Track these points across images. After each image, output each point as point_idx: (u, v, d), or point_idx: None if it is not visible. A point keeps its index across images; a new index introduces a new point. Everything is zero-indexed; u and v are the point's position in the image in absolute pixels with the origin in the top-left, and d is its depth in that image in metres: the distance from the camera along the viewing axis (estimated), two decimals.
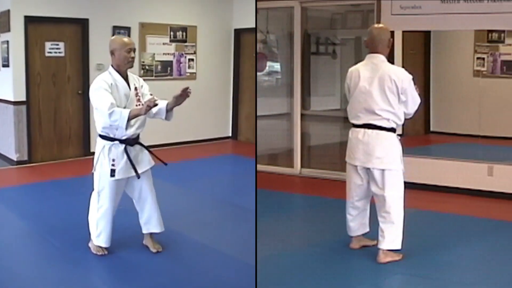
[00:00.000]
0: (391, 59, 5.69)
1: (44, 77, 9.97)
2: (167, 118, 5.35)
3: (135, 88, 5.30)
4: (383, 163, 5.19)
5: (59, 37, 10.06)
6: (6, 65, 9.78)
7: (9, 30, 9.55)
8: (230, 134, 12.72)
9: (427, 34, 8.64)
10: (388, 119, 5.17)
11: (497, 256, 5.53)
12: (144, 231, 5.63)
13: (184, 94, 5.09)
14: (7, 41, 9.65)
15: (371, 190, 5.35)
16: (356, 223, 5.55)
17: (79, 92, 10.33)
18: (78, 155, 10.41)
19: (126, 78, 5.27)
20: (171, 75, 11.61)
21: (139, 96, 5.29)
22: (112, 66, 5.24)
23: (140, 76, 10.28)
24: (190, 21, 11.90)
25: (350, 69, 5.50)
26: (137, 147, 5.41)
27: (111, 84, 5.10)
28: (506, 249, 5.72)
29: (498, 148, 8.65)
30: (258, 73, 10.13)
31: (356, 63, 5.59)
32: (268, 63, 10.10)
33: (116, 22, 10.67)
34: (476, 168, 7.63)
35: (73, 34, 10.25)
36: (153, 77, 11.12)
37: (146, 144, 5.47)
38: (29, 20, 9.60)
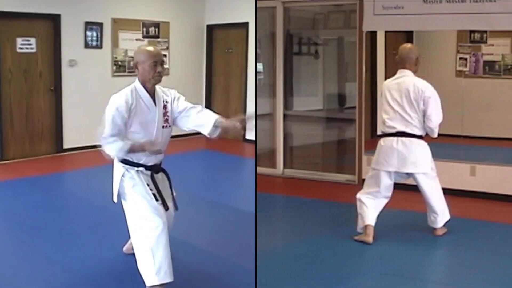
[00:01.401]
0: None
1: (15, 74, 9.87)
2: (211, 133, 4.68)
3: (164, 106, 4.64)
4: (416, 167, 5.75)
5: (31, 33, 9.94)
6: None
7: None
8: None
9: (409, 34, 8.63)
10: (418, 127, 5.70)
11: (479, 256, 5.53)
12: None
13: (241, 126, 4.61)
14: None
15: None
16: (373, 212, 5.79)
17: (51, 88, 10.29)
18: (51, 152, 10.34)
19: (153, 94, 4.60)
20: None
21: (168, 116, 4.64)
22: (138, 80, 4.60)
23: (113, 72, 10.52)
24: (163, 17, 11.93)
25: (383, 84, 5.99)
26: (160, 174, 4.79)
27: (132, 105, 4.43)
28: (488, 249, 5.72)
29: (480, 148, 8.68)
30: None
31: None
32: None
33: (89, 18, 10.64)
34: (459, 168, 7.66)
35: (45, 30, 10.15)
36: (125, 73, 11.13)
37: None
38: (0, 16, 9.50)
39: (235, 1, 11.86)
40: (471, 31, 8.79)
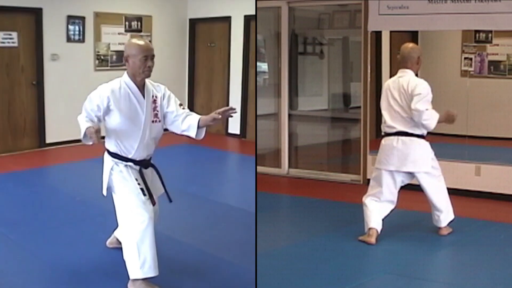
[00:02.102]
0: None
1: None
2: (197, 135, 4.70)
3: (154, 101, 4.63)
4: (416, 166, 5.75)
5: (12, 27, 9.81)
6: None
7: None
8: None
9: (414, 34, 8.61)
10: (418, 126, 5.68)
11: (484, 256, 5.52)
12: None
13: (226, 115, 4.59)
14: None
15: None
16: (377, 215, 5.77)
17: (34, 82, 10.21)
18: (34, 146, 10.28)
19: (142, 88, 4.59)
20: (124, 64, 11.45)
21: (157, 111, 4.64)
22: (127, 73, 4.56)
23: (96, 66, 10.48)
24: (145, 11, 11.84)
25: (385, 83, 5.98)
26: (149, 170, 4.81)
27: (120, 93, 4.47)
28: (493, 249, 5.71)
29: (485, 148, 8.67)
30: None
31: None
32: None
33: (71, 12, 10.53)
34: (464, 168, 7.66)
35: (27, 24, 10.03)
36: (108, 67, 11.08)
37: None
38: None
39: None
40: (476, 31, 8.77)
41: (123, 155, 4.60)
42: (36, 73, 10.22)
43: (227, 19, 11.73)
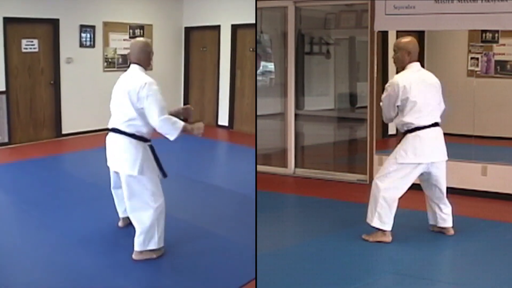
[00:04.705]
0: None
1: (20, 70, 11.00)
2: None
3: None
4: (444, 154, 5.85)
5: (34, 35, 11.12)
6: None
7: None
8: (181, 117, 13.25)
9: (421, 34, 8.61)
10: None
11: (490, 256, 5.52)
12: None
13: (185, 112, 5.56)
14: None
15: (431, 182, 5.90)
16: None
17: (51, 82, 11.50)
18: (51, 136, 11.60)
19: None
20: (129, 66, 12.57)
21: None
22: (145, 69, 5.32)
23: (104, 68, 11.90)
24: (147, 20, 13.34)
25: (399, 81, 5.70)
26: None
27: None
28: (500, 249, 5.71)
29: (492, 148, 8.67)
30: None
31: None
32: (262, 63, 10.13)
33: (83, 21, 11.90)
34: (470, 168, 7.65)
35: (46, 32, 11.33)
36: (115, 69, 12.33)
37: (106, 126, 5.40)
38: (7, 21, 10.55)
39: (209, 6, 13.30)
40: (483, 31, 8.77)
41: (147, 137, 5.21)
42: (54, 74, 11.55)
43: (217, 28, 13.20)
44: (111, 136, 5.29)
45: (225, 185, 8.12)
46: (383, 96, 5.79)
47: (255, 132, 8.97)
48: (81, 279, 4.90)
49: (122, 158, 5.16)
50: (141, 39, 5.71)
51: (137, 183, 5.12)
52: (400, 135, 5.85)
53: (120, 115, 5.16)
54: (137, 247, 5.21)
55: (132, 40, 5.54)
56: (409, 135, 5.69)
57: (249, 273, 4.95)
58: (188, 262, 5.28)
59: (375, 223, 5.72)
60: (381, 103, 5.86)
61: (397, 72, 5.89)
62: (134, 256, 5.23)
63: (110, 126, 5.29)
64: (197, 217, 6.54)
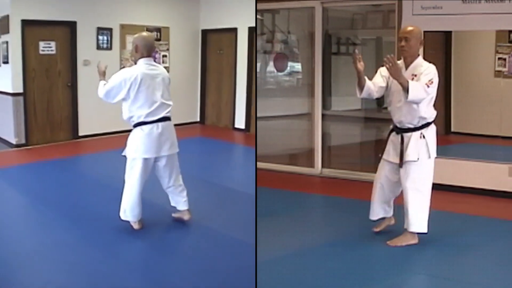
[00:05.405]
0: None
1: (38, 72, 11.12)
2: None
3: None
4: None
5: (51, 37, 11.24)
6: (5, 62, 10.88)
7: (8, 32, 10.67)
8: (198, 119, 14.48)
9: (448, 34, 8.60)
10: None
11: None
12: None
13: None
14: (7, 41, 10.77)
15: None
16: None
17: (68, 84, 11.62)
18: (68, 138, 11.73)
19: None
20: None
21: None
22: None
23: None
24: (164, 22, 13.48)
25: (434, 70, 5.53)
26: None
27: None
28: None
29: None
30: (279, 73, 10.17)
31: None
32: (289, 63, 10.14)
33: (100, 24, 12.08)
34: (497, 169, 7.59)
35: (63, 35, 11.45)
36: None
37: (122, 129, 5.69)
38: (26, 23, 10.72)
39: (226, 9, 13.36)
40: (510, 31, 8.70)
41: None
42: (71, 76, 11.65)
43: (234, 30, 13.19)
44: (161, 125, 5.83)
45: (240, 187, 8.03)
46: (433, 86, 5.45)
47: (255, 132, 9.06)
48: (98, 279, 4.97)
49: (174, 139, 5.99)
50: (149, 33, 6.40)
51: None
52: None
53: (165, 103, 5.84)
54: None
55: (144, 34, 6.18)
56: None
57: (258, 277, 4.95)
58: (206, 265, 5.32)
59: (418, 228, 5.68)
60: (424, 95, 5.41)
61: (405, 62, 5.74)
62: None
63: (158, 117, 5.78)
64: (210, 218, 6.54)
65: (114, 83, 5.73)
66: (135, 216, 5.98)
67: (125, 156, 5.88)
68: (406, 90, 5.29)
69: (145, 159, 5.80)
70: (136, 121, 5.77)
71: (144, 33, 6.17)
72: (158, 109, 5.78)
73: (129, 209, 5.93)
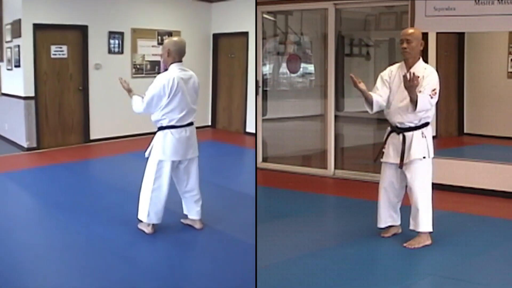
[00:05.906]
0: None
1: (50, 76, 11.22)
2: None
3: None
4: None
5: (63, 41, 11.35)
6: (17, 65, 11.00)
7: (20, 36, 10.76)
8: (209, 123, 14.59)
9: (461, 35, 8.59)
10: None
11: None
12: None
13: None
14: (19, 45, 10.87)
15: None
16: None
17: (80, 88, 11.72)
18: (80, 142, 11.80)
19: None
20: (159, 72, 12.49)
21: None
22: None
23: (133, 74, 12.29)
24: (175, 26, 13.52)
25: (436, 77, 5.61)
26: None
27: None
28: None
29: None
30: (292, 75, 10.18)
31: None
32: (302, 65, 10.15)
33: (112, 28, 12.15)
34: (510, 171, 7.53)
35: (75, 39, 11.55)
36: (143, 75, 12.73)
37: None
38: (37, 27, 10.81)
39: (236, 13, 13.43)
40: None
41: None
42: (82, 80, 11.75)
43: (245, 34, 13.15)
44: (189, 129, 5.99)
45: (251, 191, 7.77)
46: (436, 96, 5.54)
47: (255, 132, 9.09)
48: (108, 283, 4.97)
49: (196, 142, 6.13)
50: (180, 38, 6.33)
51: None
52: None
53: (192, 108, 6.00)
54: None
55: (176, 38, 6.11)
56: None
57: (264, 281, 4.93)
58: (219, 268, 5.37)
59: (429, 227, 5.70)
60: (429, 106, 5.55)
61: (407, 64, 5.78)
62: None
63: (187, 122, 5.95)
64: (221, 222, 6.53)
65: (154, 92, 5.70)
66: (159, 219, 5.99)
67: (147, 157, 5.92)
68: (414, 102, 5.40)
69: (172, 162, 5.85)
70: (165, 124, 5.81)
71: (176, 38, 6.16)
72: (188, 114, 5.89)
73: (154, 211, 5.91)
